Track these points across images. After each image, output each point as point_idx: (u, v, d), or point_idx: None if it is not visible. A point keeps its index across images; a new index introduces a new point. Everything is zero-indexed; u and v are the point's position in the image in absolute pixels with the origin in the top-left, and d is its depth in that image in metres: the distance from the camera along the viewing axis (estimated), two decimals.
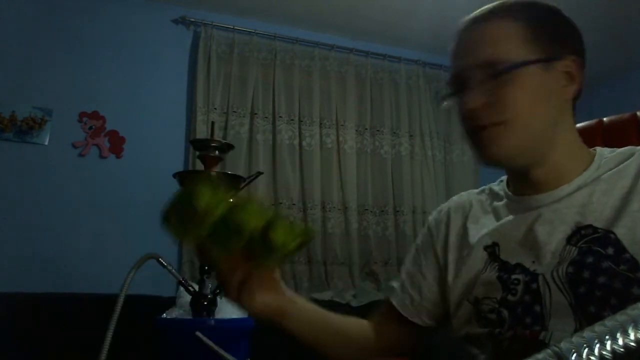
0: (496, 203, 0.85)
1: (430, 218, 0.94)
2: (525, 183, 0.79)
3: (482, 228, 0.83)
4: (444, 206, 0.93)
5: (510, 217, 0.79)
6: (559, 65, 0.75)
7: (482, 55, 0.74)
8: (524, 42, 0.74)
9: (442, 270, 0.87)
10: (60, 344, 1.93)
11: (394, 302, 0.91)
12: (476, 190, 0.92)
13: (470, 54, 0.76)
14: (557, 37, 0.77)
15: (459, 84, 0.78)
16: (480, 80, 0.74)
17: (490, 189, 0.89)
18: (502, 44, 0.74)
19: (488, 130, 0.74)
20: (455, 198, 0.93)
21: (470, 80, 0.75)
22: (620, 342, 0.31)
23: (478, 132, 0.75)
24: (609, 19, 2.70)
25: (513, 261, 0.76)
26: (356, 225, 2.86)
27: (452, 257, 0.85)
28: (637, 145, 0.79)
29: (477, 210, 0.86)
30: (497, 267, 0.77)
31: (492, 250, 0.79)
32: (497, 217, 0.82)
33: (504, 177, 0.89)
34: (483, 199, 0.88)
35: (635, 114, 1.02)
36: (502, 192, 0.86)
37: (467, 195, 0.92)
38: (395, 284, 0.96)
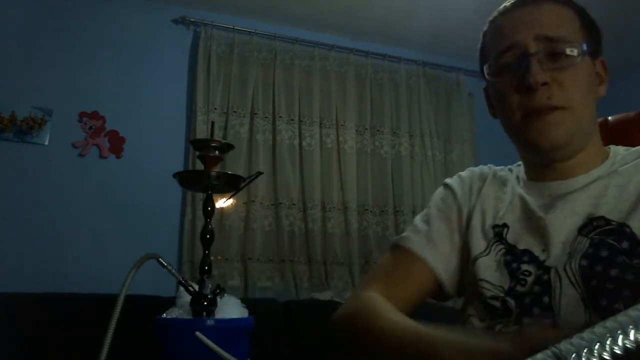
0: (513, 185, 0.83)
1: (450, 181, 0.89)
2: (544, 172, 0.79)
3: (496, 206, 0.81)
4: (465, 174, 0.90)
5: (523, 201, 0.79)
6: (596, 63, 0.78)
7: (549, 30, 0.73)
8: (580, 32, 0.75)
9: (462, 232, 0.82)
10: (60, 344, 1.93)
11: (422, 253, 0.79)
12: (498, 168, 0.90)
13: (536, 27, 0.73)
14: (595, 35, 0.78)
15: (518, 56, 0.74)
16: (546, 56, 0.72)
17: (510, 170, 0.88)
18: (567, 27, 0.74)
19: (554, 114, 0.72)
20: (476, 169, 0.90)
21: (537, 53, 0.72)
22: (620, 343, 0.31)
23: (541, 114, 0.72)
24: (608, 19, 2.69)
25: (521, 246, 0.75)
26: (356, 225, 2.86)
27: (467, 225, 0.82)
28: None
29: (496, 187, 0.85)
30: (503, 251, 0.76)
31: (500, 231, 0.78)
32: (511, 199, 0.81)
33: (521, 162, 0.88)
34: (504, 175, 0.86)
35: None
36: (519, 175, 0.85)
37: (489, 169, 0.90)
38: (412, 235, 0.82)
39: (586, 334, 0.33)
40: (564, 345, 0.32)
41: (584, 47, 0.73)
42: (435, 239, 0.82)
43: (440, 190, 0.90)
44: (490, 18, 0.82)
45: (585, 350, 0.31)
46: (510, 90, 0.75)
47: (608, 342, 0.31)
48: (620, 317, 0.33)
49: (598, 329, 0.33)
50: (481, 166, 0.91)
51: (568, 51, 0.72)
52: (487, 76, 0.80)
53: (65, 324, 1.99)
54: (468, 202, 0.85)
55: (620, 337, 0.31)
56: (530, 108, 0.73)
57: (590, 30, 0.77)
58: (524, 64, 0.72)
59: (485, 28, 0.84)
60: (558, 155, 0.76)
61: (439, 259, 0.81)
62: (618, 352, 0.31)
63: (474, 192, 0.85)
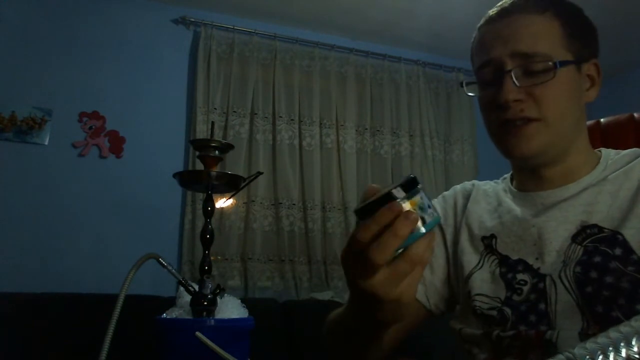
0: (500, 197, 0.84)
1: (434, 202, 0.91)
2: (533, 180, 0.79)
3: (482, 218, 0.82)
4: (448, 193, 0.92)
5: (513, 211, 0.79)
6: (585, 67, 0.76)
7: (525, 47, 0.73)
8: (561, 41, 0.74)
9: (449, 252, 0.85)
10: (61, 344, 1.93)
11: None
12: (482, 182, 0.91)
13: (511, 43, 0.73)
14: (584, 38, 0.77)
15: (494, 73, 0.75)
16: (522, 72, 0.72)
17: (495, 184, 0.89)
18: (544, 40, 0.73)
19: (526, 126, 0.72)
20: (458, 187, 0.92)
21: (510, 71, 0.72)
22: (635, 348, 0.31)
23: (513, 126, 0.73)
24: (608, 19, 2.70)
25: (514, 256, 0.75)
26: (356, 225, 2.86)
27: (456, 243, 0.84)
28: (634, 145, 0.80)
29: (481, 201, 0.86)
30: (496, 262, 0.77)
31: (489, 242, 0.79)
32: (499, 211, 0.82)
33: (507, 175, 0.89)
34: (488, 189, 0.88)
35: (632, 115, 1.03)
36: (506, 188, 0.85)
37: (472, 185, 0.91)
38: None
39: (600, 339, 0.32)
40: (578, 350, 0.32)
41: (558, 64, 0.72)
42: None
43: None
44: (478, 24, 0.82)
45: (600, 355, 0.31)
46: (489, 105, 0.76)
47: (622, 347, 0.31)
48: (635, 322, 0.32)
49: (612, 333, 0.32)
50: (465, 183, 0.93)
51: (543, 67, 0.72)
52: (467, 92, 0.82)
53: (65, 324, 1.99)
54: (453, 220, 0.87)
55: (636, 342, 0.31)
56: (503, 121, 0.74)
57: (578, 36, 0.76)
58: (499, 81, 0.73)
59: (474, 34, 0.84)
60: (534, 163, 0.77)
61: (422, 289, 0.84)
62: (635, 356, 0.31)
63: (458, 209, 0.87)
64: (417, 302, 0.84)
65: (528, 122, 0.72)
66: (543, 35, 0.74)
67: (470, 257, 0.80)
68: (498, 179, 0.92)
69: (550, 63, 0.72)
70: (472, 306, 0.76)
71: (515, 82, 0.72)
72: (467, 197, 0.88)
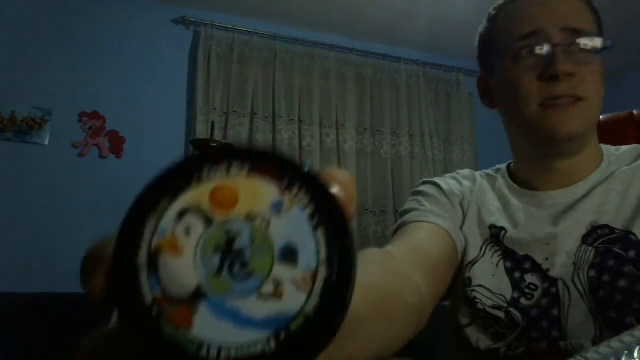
0: (503, 190, 0.79)
1: (440, 182, 0.82)
2: (543, 175, 0.76)
3: (490, 204, 0.78)
4: (448, 178, 0.84)
5: (527, 211, 0.75)
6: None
7: (576, 23, 0.70)
8: (596, 29, 0.73)
9: (458, 225, 0.77)
10: (61, 344, 1.93)
11: (426, 219, 0.72)
12: (477, 172, 0.86)
13: (562, 17, 0.71)
14: (603, 34, 0.76)
15: (542, 43, 0.70)
16: (570, 46, 0.69)
17: (489, 175, 0.85)
18: (589, 20, 0.72)
19: (574, 105, 0.69)
20: (457, 174, 0.86)
21: (560, 44, 0.69)
22: None
23: (562, 106, 0.69)
24: (608, 19, 2.70)
25: (521, 252, 0.71)
26: (356, 225, 2.86)
27: (464, 216, 0.78)
28: (633, 143, 0.79)
29: (486, 194, 0.80)
30: (499, 253, 0.73)
31: (497, 232, 0.74)
32: (506, 205, 0.77)
33: (501, 166, 0.85)
34: (485, 182, 0.83)
35: (632, 113, 1.02)
36: (507, 185, 0.81)
37: (470, 172, 0.86)
38: (413, 213, 0.75)
39: (613, 343, 0.32)
40: (591, 355, 0.32)
41: (609, 42, 0.71)
42: (436, 210, 0.76)
43: (429, 188, 0.82)
44: (501, 3, 0.78)
45: None
46: (530, 77, 0.71)
47: (636, 351, 0.31)
48: None
49: (625, 337, 0.32)
50: (458, 171, 0.87)
51: (591, 45, 0.70)
52: (501, 60, 0.75)
53: (65, 324, 1.99)
54: (460, 195, 0.80)
55: None
56: (551, 96, 0.69)
57: (601, 29, 0.75)
58: (549, 52, 0.69)
59: (493, 12, 0.79)
60: (571, 147, 0.73)
61: (449, 224, 0.74)
62: None
63: (465, 187, 0.81)
64: (444, 232, 0.72)
65: (576, 102, 0.69)
66: (587, 15, 0.73)
67: (475, 239, 0.75)
68: None
69: (597, 43, 0.70)
70: (471, 297, 0.72)
71: (566, 55, 0.69)
72: (473, 181, 0.83)
